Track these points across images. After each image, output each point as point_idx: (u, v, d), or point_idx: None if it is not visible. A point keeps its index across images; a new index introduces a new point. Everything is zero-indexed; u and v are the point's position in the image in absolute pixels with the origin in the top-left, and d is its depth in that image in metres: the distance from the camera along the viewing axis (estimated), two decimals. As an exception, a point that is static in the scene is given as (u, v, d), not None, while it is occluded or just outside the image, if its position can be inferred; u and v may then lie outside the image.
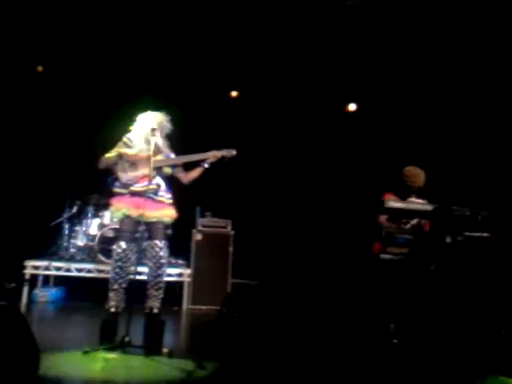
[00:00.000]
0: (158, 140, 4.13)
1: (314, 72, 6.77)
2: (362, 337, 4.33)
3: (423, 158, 5.70)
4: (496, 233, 3.79)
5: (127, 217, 4.04)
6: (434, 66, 6.23)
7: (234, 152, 4.24)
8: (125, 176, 4.10)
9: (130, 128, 4.25)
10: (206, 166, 4.23)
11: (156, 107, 4.33)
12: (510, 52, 5.57)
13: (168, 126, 4.25)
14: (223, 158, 4.22)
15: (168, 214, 4.17)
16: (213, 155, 4.19)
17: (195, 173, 4.28)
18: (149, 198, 4.00)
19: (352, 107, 7.59)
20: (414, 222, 4.37)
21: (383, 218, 4.39)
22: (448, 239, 3.83)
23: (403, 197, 4.47)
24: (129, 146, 4.16)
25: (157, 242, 4.07)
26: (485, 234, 3.84)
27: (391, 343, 3.91)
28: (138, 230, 4.07)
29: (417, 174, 4.57)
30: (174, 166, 4.30)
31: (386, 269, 4.10)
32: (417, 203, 4.37)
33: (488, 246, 3.76)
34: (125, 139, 4.19)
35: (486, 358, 3.45)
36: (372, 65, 6.46)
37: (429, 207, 4.04)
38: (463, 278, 3.80)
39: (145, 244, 4.09)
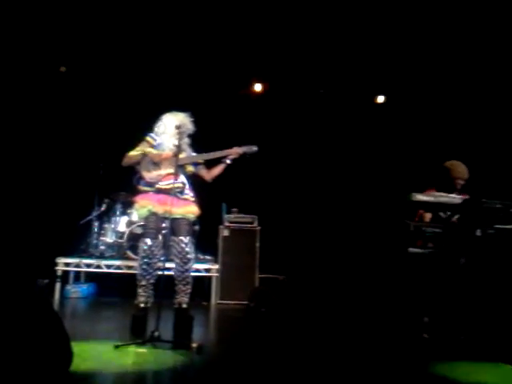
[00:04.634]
0: (182, 139, 4.16)
1: (340, 65, 6.70)
2: (392, 331, 4.30)
3: (454, 151, 5.62)
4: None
5: (152, 214, 4.09)
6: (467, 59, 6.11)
7: (254, 148, 4.26)
8: (149, 175, 4.15)
9: (154, 127, 4.30)
10: (228, 162, 4.26)
11: (178, 107, 4.37)
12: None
13: (190, 126, 4.29)
14: (245, 154, 4.24)
15: (192, 210, 4.22)
16: (235, 152, 4.23)
17: (217, 169, 4.31)
18: (174, 196, 4.04)
19: (381, 99, 7.50)
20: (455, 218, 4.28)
21: (427, 214, 4.32)
22: (478, 232, 3.77)
23: (448, 192, 4.38)
24: (152, 146, 4.20)
25: (182, 237, 4.11)
26: (516, 227, 3.75)
27: (422, 337, 3.86)
28: (163, 227, 4.12)
29: (456, 167, 4.47)
30: (196, 164, 4.34)
31: (416, 262, 4.04)
32: (446, 196, 4.29)
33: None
34: (148, 138, 4.24)
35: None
36: (402, 57, 6.35)
37: (458, 200, 3.97)
38: (494, 271, 3.73)
39: (170, 240, 4.13)
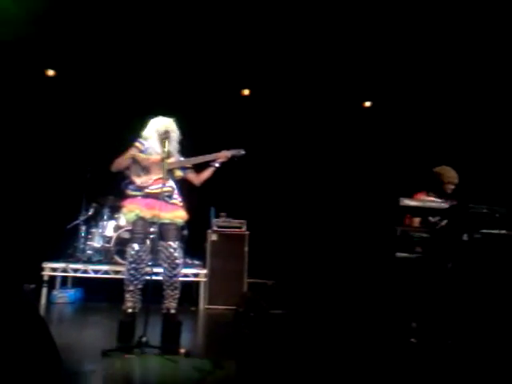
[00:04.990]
0: (170, 143, 4.16)
1: (328, 69, 6.73)
2: (380, 336, 4.31)
3: (443, 155, 5.67)
4: (514, 230, 3.74)
5: (140, 218, 4.08)
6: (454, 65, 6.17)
7: (242, 151, 4.32)
8: (139, 180, 4.14)
9: (142, 132, 4.29)
10: (217, 165, 4.29)
11: (166, 113, 4.37)
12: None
13: (177, 131, 4.29)
14: (233, 157, 4.27)
15: (180, 215, 4.22)
16: (223, 155, 4.26)
17: (206, 173, 4.33)
18: (163, 200, 4.03)
19: (368, 104, 7.56)
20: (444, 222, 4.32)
21: (416, 219, 4.35)
22: (465, 237, 3.79)
23: (438, 196, 4.43)
24: (141, 151, 4.20)
25: (170, 242, 4.10)
26: (503, 232, 3.79)
27: (409, 342, 3.88)
28: (151, 232, 4.11)
29: (445, 172, 4.53)
30: (184, 169, 4.35)
31: (402, 267, 4.07)
32: (434, 201, 4.32)
33: (506, 244, 3.71)
34: (137, 143, 4.23)
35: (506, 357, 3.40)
36: (391, 61, 6.39)
37: (445, 205, 4.00)
38: (481, 275, 3.75)
39: (159, 245, 4.12)
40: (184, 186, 4.43)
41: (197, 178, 4.37)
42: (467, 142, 6.33)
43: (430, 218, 4.33)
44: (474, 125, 6.33)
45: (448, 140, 6.53)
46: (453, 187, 4.50)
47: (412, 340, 3.88)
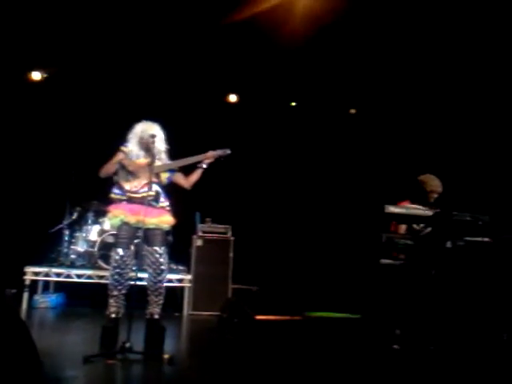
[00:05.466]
0: (156, 147, 4.13)
1: (313, 76, 6.76)
2: (364, 342, 4.32)
3: (427, 164, 5.73)
4: (497, 238, 3.79)
5: (125, 223, 4.05)
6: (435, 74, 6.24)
7: (228, 151, 4.32)
8: (128, 185, 4.11)
9: (127, 137, 4.27)
10: (205, 166, 4.28)
11: (150, 117, 4.37)
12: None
13: (162, 135, 4.29)
14: (219, 157, 4.27)
15: (166, 220, 4.18)
16: (210, 155, 4.25)
17: (195, 176, 4.31)
18: (149, 205, 4.01)
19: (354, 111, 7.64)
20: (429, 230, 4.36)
21: (402, 226, 4.38)
22: (449, 244, 3.83)
23: (422, 205, 4.46)
24: (127, 155, 4.17)
25: (156, 248, 4.07)
26: (485, 239, 3.83)
27: (392, 349, 3.90)
28: (136, 237, 4.08)
29: (429, 181, 4.58)
30: (172, 172, 4.32)
31: (387, 273, 4.09)
32: (418, 208, 4.36)
33: (489, 251, 3.76)
34: (123, 148, 4.21)
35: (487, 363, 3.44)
36: (376, 69, 6.45)
37: (430, 213, 4.04)
38: (464, 282, 3.79)
39: (144, 250, 4.09)
40: (173, 189, 4.40)
41: (186, 181, 4.34)
42: (451, 150, 6.41)
43: (415, 226, 4.37)
44: (458, 133, 6.41)
45: (433, 148, 6.60)
46: (436, 196, 4.54)
47: (395, 346, 3.90)
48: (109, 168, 4.15)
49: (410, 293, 3.98)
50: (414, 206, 4.44)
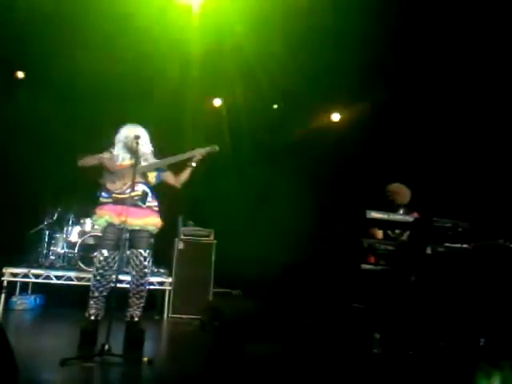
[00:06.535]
0: (142, 148, 4.12)
1: (297, 80, 6.78)
2: (344, 346, 4.34)
3: (406, 170, 5.79)
4: (476, 244, 3.84)
5: (110, 224, 4.02)
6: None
7: (216, 147, 4.30)
8: (113, 186, 4.09)
9: (113, 142, 4.26)
10: (194, 164, 4.25)
11: (134, 120, 4.36)
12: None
13: (147, 136, 4.27)
14: (207, 154, 4.26)
15: (152, 222, 4.15)
16: (198, 153, 4.22)
17: (184, 174, 4.29)
18: (135, 205, 3.99)
19: (336, 118, 7.71)
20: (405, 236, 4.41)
21: (379, 232, 4.42)
22: (429, 250, 3.87)
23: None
24: (112, 157, 4.15)
25: (141, 250, 4.05)
26: (465, 246, 3.88)
27: (372, 353, 3.92)
28: (121, 238, 4.05)
29: (399, 191, 4.65)
30: (160, 171, 4.29)
31: (367, 279, 4.12)
32: (399, 214, 4.41)
33: (468, 258, 3.80)
34: (111, 150, 4.19)
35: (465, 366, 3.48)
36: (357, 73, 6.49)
37: (410, 218, 4.08)
38: (444, 288, 3.83)
39: (128, 252, 4.07)
40: (159, 192, 4.37)
41: (175, 180, 4.31)
42: (432, 155, 6.47)
43: (389, 232, 4.43)
44: (438, 139, 6.47)
45: (413, 154, 6.65)
46: (399, 204, 4.62)
47: (375, 350, 3.92)
48: (89, 160, 4.13)
49: (391, 298, 4.01)
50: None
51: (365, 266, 4.14)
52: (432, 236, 3.92)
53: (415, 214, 4.50)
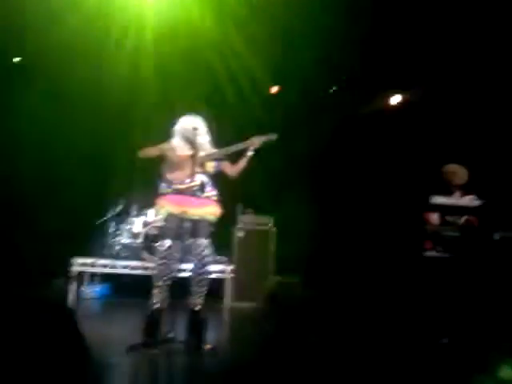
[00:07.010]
0: (200, 139, 4.15)
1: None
2: (410, 336, 4.24)
3: (468, 153, 5.54)
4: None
5: (171, 215, 4.09)
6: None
7: (274, 136, 4.19)
8: (172, 176, 4.16)
9: (171, 133, 4.31)
10: (250, 153, 4.20)
11: (192, 111, 4.39)
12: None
13: (205, 126, 4.29)
14: (265, 143, 4.20)
15: (211, 211, 4.18)
16: (255, 142, 4.18)
17: (241, 164, 4.25)
18: (194, 195, 4.04)
19: (396, 100, 7.42)
20: (463, 219, 4.23)
21: (434, 216, 4.26)
22: (497, 236, 3.71)
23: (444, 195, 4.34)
24: (171, 149, 4.21)
25: (201, 240, 4.10)
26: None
27: (440, 342, 3.81)
28: (182, 228, 4.11)
29: (456, 172, 4.46)
30: (218, 161, 4.30)
31: (433, 267, 3.99)
32: (463, 199, 4.24)
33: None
34: (167, 142, 4.25)
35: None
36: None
37: (476, 203, 3.92)
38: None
39: (189, 241, 4.12)
40: (217, 181, 4.39)
41: (232, 170, 4.31)
42: (494, 139, 6.15)
43: (448, 217, 4.25)
44: (493, 120, 6.14)
45: (476, 137, 6.34)
46: (456, 186, 4.43)
47: (444, 340, 3.80)
48: (150, 151, 4.21)
49: (456, 286, 3.87)
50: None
51: (430, 254, 4.01)
52: (500, 221, 3.75)
53: (472, 196, 4.31)
